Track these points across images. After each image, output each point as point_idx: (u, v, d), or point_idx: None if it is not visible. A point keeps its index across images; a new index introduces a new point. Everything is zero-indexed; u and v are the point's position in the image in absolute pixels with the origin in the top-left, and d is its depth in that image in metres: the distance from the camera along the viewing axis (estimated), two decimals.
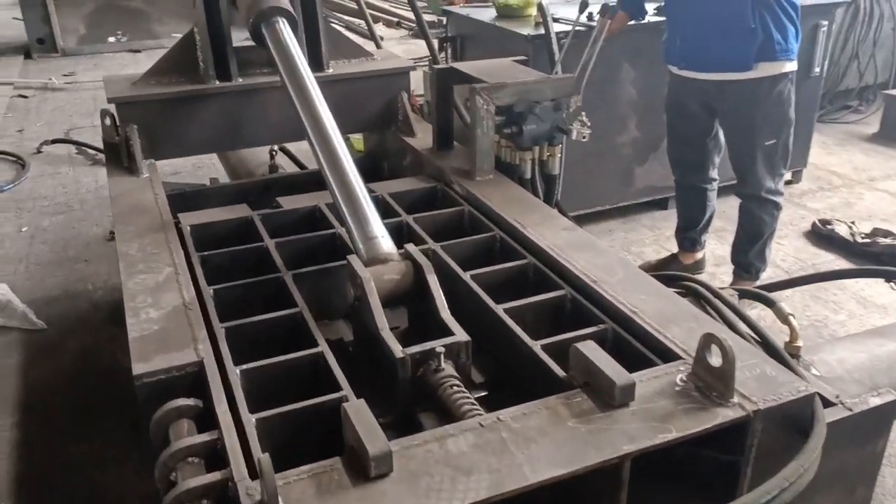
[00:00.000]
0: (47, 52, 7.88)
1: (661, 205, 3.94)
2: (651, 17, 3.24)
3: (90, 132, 5.45)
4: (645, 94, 3.60)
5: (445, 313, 1.75)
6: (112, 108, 2.83)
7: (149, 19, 8.72)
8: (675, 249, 3.49)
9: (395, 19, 9.74)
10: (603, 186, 3.65)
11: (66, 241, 3.71)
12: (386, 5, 10.53)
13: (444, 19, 4.01)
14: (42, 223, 3.90)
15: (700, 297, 2.10)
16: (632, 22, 3.03)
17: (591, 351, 1.50)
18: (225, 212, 2.51)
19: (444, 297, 1.78)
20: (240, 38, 2.84)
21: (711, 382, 1.43)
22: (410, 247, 1.90)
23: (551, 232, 2.17)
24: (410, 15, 9.95)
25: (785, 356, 1.67)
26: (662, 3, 3.11)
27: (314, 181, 3.15)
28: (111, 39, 8.37)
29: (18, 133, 5.45)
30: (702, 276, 3.36)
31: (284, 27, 2.56)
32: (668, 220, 3.85)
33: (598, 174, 3.35)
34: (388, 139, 3.16)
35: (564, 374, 1.57)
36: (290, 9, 2.62)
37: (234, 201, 3.04)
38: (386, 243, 1.90)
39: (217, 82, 2.78)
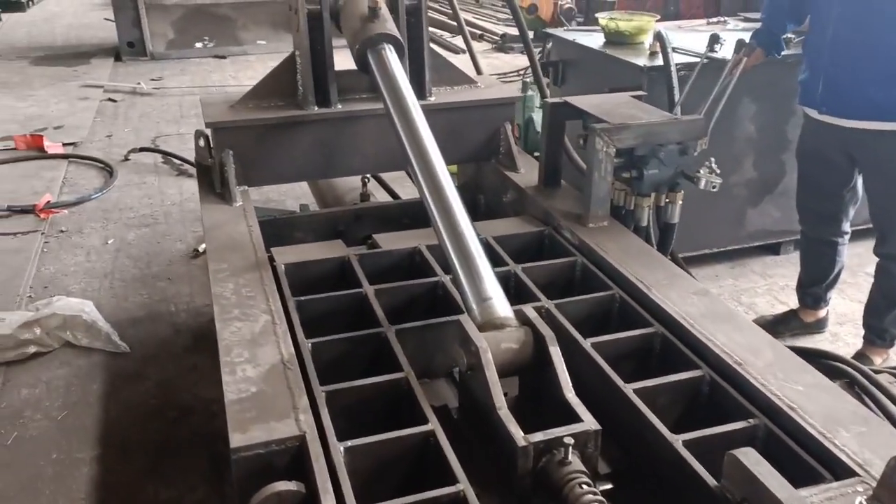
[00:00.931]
0: (136, 56, 8.01)
1: (773, 249, 3.64)
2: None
3: (176, 140, 5.47)
4: (765, 131, 3.32)
5: (570, 394, 1.56)
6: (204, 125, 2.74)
7: (235, 26, 8.80)
8: (791, 301, 3.20)
9: (479, 31, 9.59)
10: (712, 228, 3.39)
11: (149, 257, 3.66)
12: (468, 16, 10.40)
13: (547, 43, 3.81)
14: (127, 236, 3.87)
15: (854, 383, 1.85)
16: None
17: (753, 462, 1.28)
18: (320, 249, 2.38)
19: (567, 374, 1.59)
20: (339, 62, 2.72)
21: None
22: (530, 311, 1.71)
23: (680, 296, 1.95)
24: (494, 27, 9.79)
25: None
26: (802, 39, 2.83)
27: (408, 213, 3.02)
28: (198, 45, 8.47)
29: (107, 138, 5.50)
30: (822, 336, 3.07)
31: (391, 54, 2.42)
32: (781, 267, 3.56)
33: (707, 215, 3.09)
34: (486, 171, 2.98)
35: (715, 482, 1.35)
36: (398, 35, 2.48)
37: (325, 230, 2.94)
38: (502, 306, 1.72)
39: (316, 108, 2.66)
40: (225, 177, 2.58)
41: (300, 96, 2.70)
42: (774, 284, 3.44)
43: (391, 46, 2.44)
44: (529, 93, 4.47)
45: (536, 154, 3.91)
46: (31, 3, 11.22)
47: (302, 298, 2.01)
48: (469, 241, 1.87)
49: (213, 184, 2.71)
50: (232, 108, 2.68)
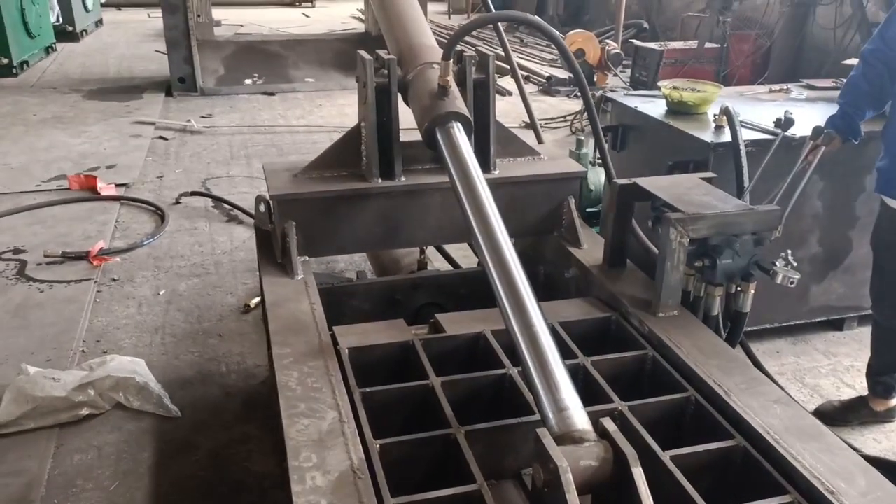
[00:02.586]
0: (187, 91, 8.14)
1: (836, 325, 3.52)
2: None
3: (226, 183, 5.51)
4: (831, 208, 3.23)
5: None
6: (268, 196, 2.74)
7: (285, 64, 8.93)
8: (857, 385, 3.08)
9: (524, 73, 9.60)
10: (773, 302, 3.28)
11: (200, 311, 3.66)
12: (514, 57, 10.41)
13: (606, 107, 3.76)
14: (178, 287, 3.88)
15: None
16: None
17: None
18: (383, 331, 2.33)
19: (651, 498, 1.51)
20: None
21: None
22: (609, 424, 1.63)
23: (761, 405, 1.87)
24: (539, 69, 9.78)
25: None
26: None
27: (466, 282, 2.98)
28: (247, 81, 8.59)
29: (158, 179, 5.56)
30: (893, 426, 2.94)
31: (459, 132, 2.41)
32: (845, 345, 3.44)
33: (769, 289, 2.97)
34: (547, 243, 2.93)
35: None
36: (468, 113, 2.46)
37: (382, 299, 2.91)
38: (580, 417, 1.65)
39: (380, 181, 2.64)
40: (287, 248, 2.56)
41: (364, 167, 2.68)
42: (839, 364, 3.31)
43: (460, 124, 2.42)
44: (584, 150, 4.42)
45: (589, 209, 3.85)
46: (84, 33, 11.51)
47: (368, 390, 1.97)
48: (542, 339, 1.81)
49: (272, 251, 2.70)
50: (296, 179, 2.67)
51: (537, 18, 2.65)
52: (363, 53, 2.62)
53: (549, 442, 1.57)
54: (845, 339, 3.49)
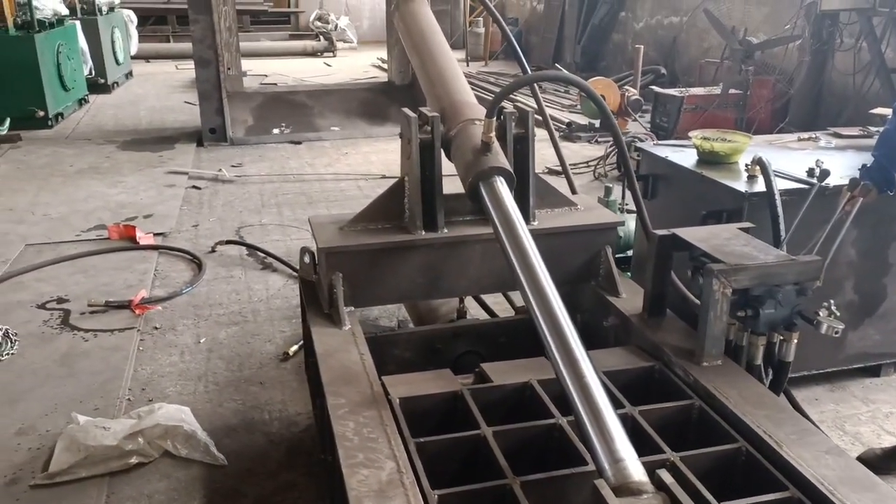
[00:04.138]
0: (217, 141, 8.35)
1: (873, 372, 3.52)
2: None
3: (258, 231, 5.63)
4: (865, 255, 3.26)
5: None
6: (307, 231, 2.82)
7: (311, 113, 9.14)
8: None
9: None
10: (810, 350, 3.27)
11: (241, 359, 3.72)
12: (534, 102, 10.58)
13: (635, 154, 3.84)
14: (218, 335, 3.95)
15: None
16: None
17: None
18: (431, 381, 2.38)
19: None
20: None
21: None
22: (666, 476, 1.68)
23: (813, 456, 1.89)
24: (559, 114, 9.92)
25: None
26: None
27: (505, 331, 3.04)
28: (275, 131, 8.80)
29: (193, 228, 5.69)
30: None
31: (502, 186, 2.49)
32: (883, 392, 3.44)
33: (806, 337, 2.99)
34: (585, 292, 2.98)
35: None
36: (510, 168, 2.54)
37: (423, 347, 2.97)
38: (636, 469, 1.69)
39: (423, 233, 2.72)
40: (334, 299, 2.64)
41: (407, 220, 2.76)
42: (878, 411, 3.31)
43: (502, 178, 2.51)
44: (612, 197, 4.50)
45: (617, 255, 3.91)
46: (115, 85, 11.86)
47: (422, 440, 2.02)
48: (594, 389, 1.86)
49: (318, 302, 2.77)
50: (342, 231, 2.76)
51: (576, 77, 2.74)
52: (407, 111, 2.72)
53: (607, 493, 1.60)
54: (883, 385, 3.49)
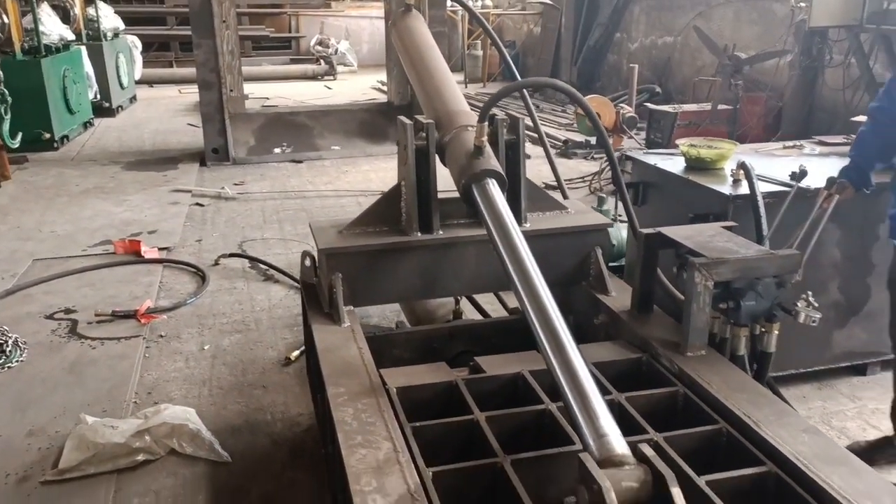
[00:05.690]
0: (220, 161, 8.51)
1: (859, 370, 3.61)
2: None
3: (260, 245, 5.75)
4: (849, 257, 3.37)
5: None
6: (309, 239, 2.93)
7: (311, 133, 9.31)
8: (883, 426, 3.15)
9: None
10: (796, 349, 3.38)
11: (244, 365, 3.82)
12: (529, 121, 10.74)
13: (625, 167, 3.97)
14: (222, 342, 4.05)
15: None
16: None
17: None
18: (427, 373, 2.49)
19: None
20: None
21: None
22: (647, 449, 1.76)
23: (790, 434, 1.98)
24: (556, 132, 10.10)
25: None
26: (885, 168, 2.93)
27: (498, 331, 3.14)
28: (276, 150, 8.96)
29: (197, 243, 5.82)
30: None
31: (494, 188, 2.60)
32: (869, 390, 3.53)
33: (792, 336, 3.09)
34: (576, 293, 3.09)
35: None
36: (501, 171, 2.66)
37: (421, 347, 3.07)
38: (619, 443, 1.78)
39: (420, 234, 2.83)
40: (334, 298, 2.74)
41: (404, 223, 2.88)
42: (864, 408, 3.39)
43: (494, 181, 2.62)
44: (605, 207, 4.62)
45: (611, 264, 4.01)
46: (120, 108, 12.07)
47: (417, 424, 2.11)
48: (581, 374, 1.95)
49: (319, 302, 2.88)
50: (341, 234, 2.87)
51: (562, 83, 2.88)
52: (403, 119, 2.84)
53: (592, 465, 1.69)
54: (869, 383, 3.58)
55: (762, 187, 3.08)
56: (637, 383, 2.43)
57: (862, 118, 3.70)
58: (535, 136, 4.12)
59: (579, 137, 9.37)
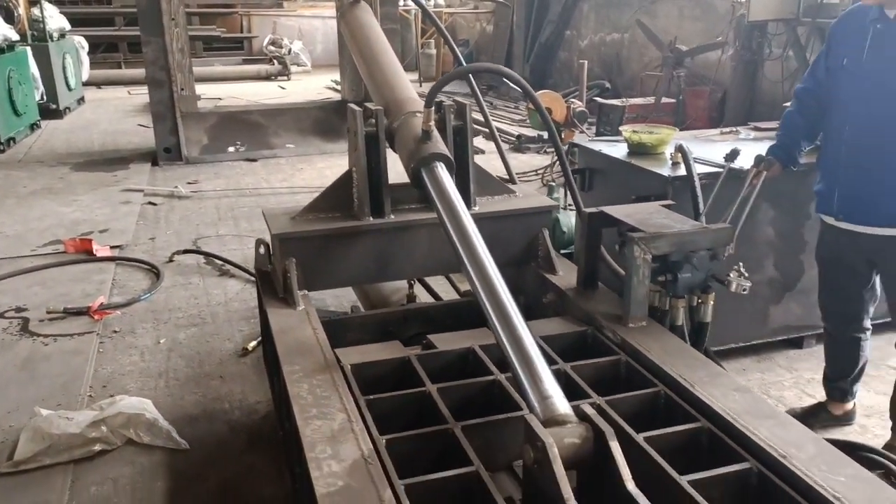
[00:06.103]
0: (172, 161, 8.43)
1: (796, 343, 3.80)
2: None
3: (215, 242, 5.74)
4: (783, 234, 3.55)
5: (632, 485, 1.70)
6: (265, 235, 2.99)
7: (266, 132, 9.28)
8: (818, 394, 3.33)
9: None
10: (736, 324, 3.55)
11: (201, 357, 3.84)
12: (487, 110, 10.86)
13: (573, 156, 4.09)
14: (178, 336, 4.06)
15: (891, 474, 1.98)
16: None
17: None
18: (381, 350, 2.56)
19: (627, 468, 1.73)
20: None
21: None
22: (588, 408, 1.86)
23: (722, 393, 2.11)
24: (509, 128, 10.24)
25: None
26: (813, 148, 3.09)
27: (452, 313, 3.21)
28: (230, 149, 8.91)
29: (150, 241, 5.78)
30: (851, 428, 3.18)
31: (442, 171, 2.68)
32: (805, 361, 3.71)
33: (731, 312, 3.26)
34: (525, 274, 3.19)
35: None
36: (449, 154, 2.74)
37: (376, 330, 3.13)
38: (562, 403, 1.88)
39: (371, 219, 2.89)
40: (288, 283, 2.79)
41: (356, 208, 2.94)
42: (800, 378, 3.57)
43: (442, 164, 2.70)
44: (555, 195, 4.75)
45: (563, 251, 4.13)
46: (67, 110, 11.84)
47: (371, 397, 2.18)
48: (527, 343, 2.04)
49: (274, 288, 2.93)
50: (294, 220, 2.92)
51: (508, 70, 2.97)
52: (353, 105, 2.91)
53: (536, 424, 1.79)
54: (805, 355, 3.76)
55: (698, 169, 3.23)
56: (583, 354, 2.54)
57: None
58: (486, 131, 4.24)
59: (532, 133, 9.53)
